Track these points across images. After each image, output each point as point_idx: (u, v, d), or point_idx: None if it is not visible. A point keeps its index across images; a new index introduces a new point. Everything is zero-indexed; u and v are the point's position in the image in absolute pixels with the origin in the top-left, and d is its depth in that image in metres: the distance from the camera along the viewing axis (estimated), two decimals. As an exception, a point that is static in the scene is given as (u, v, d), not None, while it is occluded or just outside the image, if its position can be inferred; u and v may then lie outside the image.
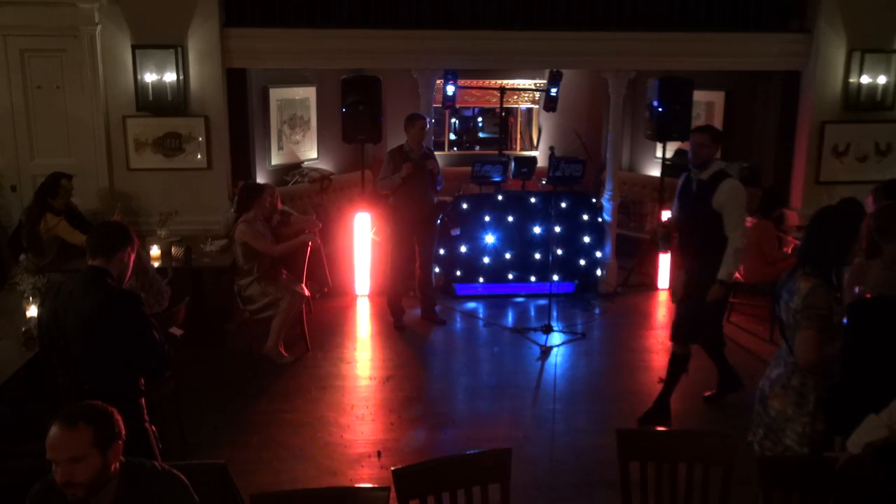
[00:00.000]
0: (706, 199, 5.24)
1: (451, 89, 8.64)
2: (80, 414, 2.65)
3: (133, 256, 3.69)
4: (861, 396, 3.30)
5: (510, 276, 8.34)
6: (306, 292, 6.78)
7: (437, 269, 8.15)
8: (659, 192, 8.84)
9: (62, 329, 3.52)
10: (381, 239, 8.01)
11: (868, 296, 3.71)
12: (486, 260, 8.24)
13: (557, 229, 7.89)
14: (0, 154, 7.61)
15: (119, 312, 3.50)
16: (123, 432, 2.75)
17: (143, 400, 3.73)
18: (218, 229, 7.52)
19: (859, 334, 3.37)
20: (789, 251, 7.41)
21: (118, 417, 2.75)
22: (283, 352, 6.67)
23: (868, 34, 8.17)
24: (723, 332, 5.92)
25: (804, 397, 3.49)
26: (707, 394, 6.04)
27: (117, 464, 2.72)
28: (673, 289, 5.86)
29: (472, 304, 8.20)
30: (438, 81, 8.77)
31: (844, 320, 3.44)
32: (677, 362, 5.69)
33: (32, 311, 5.00)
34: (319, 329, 7.33)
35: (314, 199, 8.79)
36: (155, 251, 6.84)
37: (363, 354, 6.96)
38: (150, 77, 7.47)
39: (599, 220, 8.41)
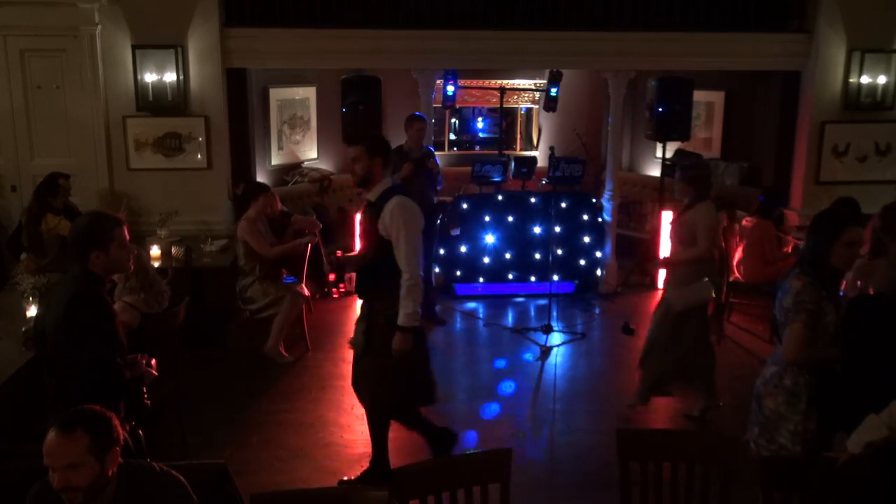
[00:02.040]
0: (374, 224, 4.40)
1: (451, 89, 8.63)
2: (77, 420, 2.64)
3: (114, 247, 3.48)
4: (860, 394, 3.30)
5: (510, 276, 8.34)
6: (306, 292, 6.78)
7: (437, 269, 8.15)
8: (659, 192, 8.83)
9: (44, 329, 3.51)
10: None
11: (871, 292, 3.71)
12: (486, 260, 8.24)
13: (557, 229, 7.89)
14: (0, 154, 7.61)
15: (73, 319, 3.38)
16: (122, 437, 2.74)
17: (122, 411, 3.58)
18: (219, 229, 7.52)
19: (859, 331, 3.37)
20: (789, 251, 7.41)
21: (116, 423, 2.74)
22: (284, 352, 6.67)
23: (868, 34, 8.17)
24: (432, 384, 4.72)
25: (796, 396, 3.50)
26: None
27: (115, 467, 2.71)
28: (352, 339, 4.75)
29: (472, 304, 8.20)
30: (438, 81, 8.77)
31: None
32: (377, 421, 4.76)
33: (32, 311, 5.00)
34: (319, 329, 7.32)
35: (314, 199, 8.79)
36: (155, 251, 6.85)
37: (363, 354, 6.95)
38: (150, 77, 7.47)
39: (599, 220, 8.41)
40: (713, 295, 5.36)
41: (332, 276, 7.89)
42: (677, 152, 9.61)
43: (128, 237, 3.57)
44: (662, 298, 5.64)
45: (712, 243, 5.32)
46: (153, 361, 3.86)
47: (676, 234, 5.46)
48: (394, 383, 4.47)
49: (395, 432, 5.52)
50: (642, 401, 5.71)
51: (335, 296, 8.27)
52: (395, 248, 4.35)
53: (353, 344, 4.64)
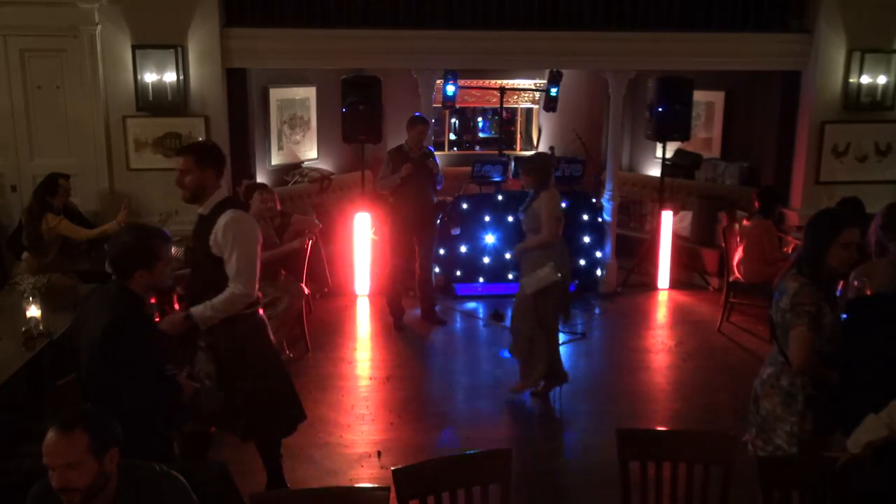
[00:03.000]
0: (205, 241, 4.04)
1: (451, 89, 8.63)
2: (76, 420, 2.64)
3: (159, 265, 3.44)
4: (859, 394, 3.30)
5: (510, 276, 8.34)
6: (306, 291, 6.78)
7: (437, 269, 8.15)
8: (659, 192, 8.84)
9: (79, 341, 3.47)
10: (381, 239, 8.01)
11: (868, 292, 3.71)
12: (486, 260, 8.24)
13: (557, 229, 7.88)
14: (0, 154, 7.61)
15: (112, 345, 3.32)
16: (121, 437, 2.73)
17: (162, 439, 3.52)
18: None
19: (858, 331, 3.37)
20: (789, 251, 7.41)
21: (116, 422, 2.74)
22: (287, 350, 6.68)
23: (868, 34, 8.17)
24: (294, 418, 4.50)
25: (793, 397, 3.49)
26: None
27: (115, 467, 2.71)
28: (197, 367, 4.21)
29: (472, 304, 8.20)
30: (438, 81, 8.77)
31: (843, 315, 3.44)
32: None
33: (33, 311, 5.00)
34: (319, 329, 7.33)
35: (314, 199, 8.79)
36: (155, 251, 6.83)
37: (363, 354, 6.96)
38: (150, 77, 7.46)
39: (599, 220, 8.41)
40: (558, 277, 5.69)
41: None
42: (677, 152, 9.62)
43: (173, 252, 3.58)
44: (520, 285, 5.91)
45: (555, 229, 5.72)
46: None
47: (525, 223, 5.83)
48: (263, 404, 4.19)
49: (396, 432, 5.53)
50: (534, 385, 6.00)
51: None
52: (225, 264, 3.98)
53: (203, 374, 4.11)
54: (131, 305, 3.41)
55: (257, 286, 4.09)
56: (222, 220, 3.98)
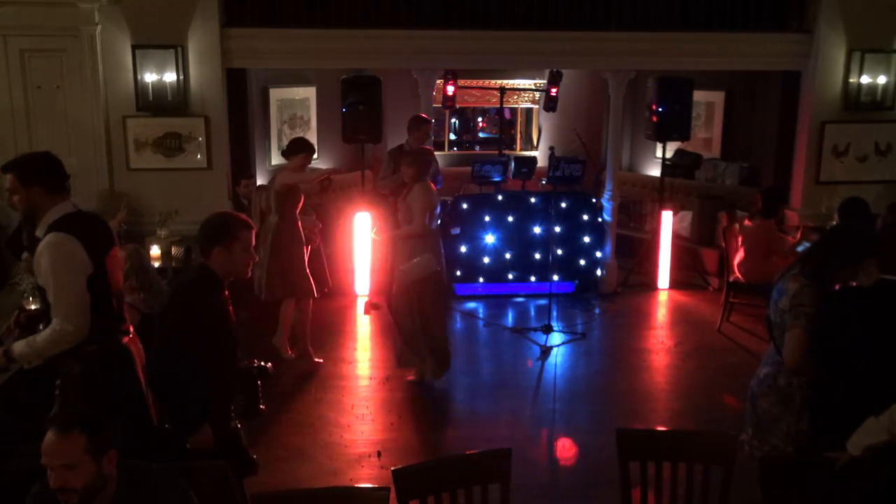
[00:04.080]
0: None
1: (451, 89, 8.63)
2: (75, 421, 2.65)
3: (237, 247, 3.37)
4: (847, 392, 3.30)
5: (510, 276, 8.34)
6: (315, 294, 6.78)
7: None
8: (659, 192, 8.84)
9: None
10: (381, 239, 7.99)
11: None
12: (486, 260, 8.24)
13: (557, 229, 7.88)
14: (0, 154, 7.61)
15: (181, 304, 3.33)
16: (121, 439, 2.74)
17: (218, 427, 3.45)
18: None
19: (837, 325, 3.36)
20: (789, 251, 7.40)
21: (115, 424, 2.74)
22: (289, 349, 6.68)
23: (868, 34, 8.17)
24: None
25: (790, 397, 3.50)
26: None
27: (114, 468, 2.71)
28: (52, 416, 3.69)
29: (472, 304, 8.20)
30: (438, 81, 8.77)
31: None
32: None
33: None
34: (319, 329, 7.32)
35: (314, 199, 8.77)
36: (155, 251, 6.85)
37: (363, 354, 6.96)
38: (150, 77, 7.46)
39: (599, 220, 8.41)
40: (435, 267, 5.92)
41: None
42: (677, 152, 9.62)
43: (253, 243, 3.46)
44: (397, 276, 6.02)
45: (426, 220, 5.86)
46: (269, 365, 3.82)
47: (401, 213, 5.99)
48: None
49: (396, 432, 5.53)
50: (437, 375, 6.11)
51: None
52: (47, 295, 3.52)
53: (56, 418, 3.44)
54: (205, 280, 3.40)
55: (86, 320, 3.51)
56: (41, 244, 3.50)
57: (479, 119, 11.41)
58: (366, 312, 7.85)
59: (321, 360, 6.61)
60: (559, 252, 8.01)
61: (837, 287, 3.47)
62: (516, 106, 10.60)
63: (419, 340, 6.03)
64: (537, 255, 8.23)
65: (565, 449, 5.36)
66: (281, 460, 5.12)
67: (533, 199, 8.24)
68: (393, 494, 2.97)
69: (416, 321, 5.97)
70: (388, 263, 6.20)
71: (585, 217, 8.33)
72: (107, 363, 3.61)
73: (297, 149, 6.41)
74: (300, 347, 6.59)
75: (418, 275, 5.86)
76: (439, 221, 6.20)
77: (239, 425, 3.74)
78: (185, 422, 3.41)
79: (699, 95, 8.77)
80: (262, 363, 3.66)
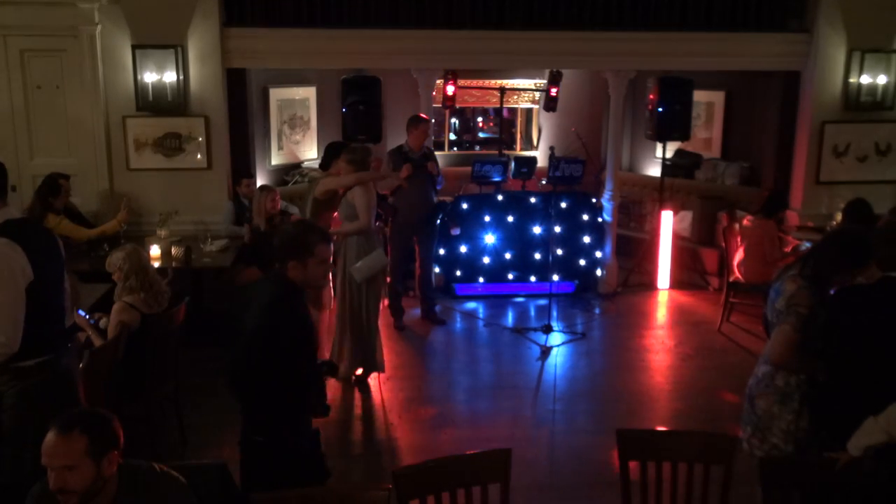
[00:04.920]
0: None
1: (451, 89, 8.63)
2: (76, 421, 2.63)
3: (312, 262, 3.34)
4: (848, 390, 3.31)
5: (510, 276, 8.34)
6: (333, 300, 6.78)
7: (437, 269, 8.14)
8: (659, 192, 8.84)
9: (240, 327, 3.43)
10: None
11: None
12: (486, 260, 8.24)
13: (557, 229, 7.88)
14: (0, 154, 7.60)
15: (272, 321, 3.29)
16: (121, 440, 2.72)
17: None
18: (218, 229, 7.52)
19: (838, 325, 3.37)
20: (789, 251, 7.41)
21: (116, 425, 2.73)
22: None
23: (868, 34, 8.17)
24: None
25: (789, 396, 3.50)
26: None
27: (114, 469, 2.70)
28: None
29: (472, 304, 8.20)
30: (438, 81, 8.77)
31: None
32: None
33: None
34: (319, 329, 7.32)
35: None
36: (155, 251, 6.84)
37: (363, 354, 6.95)
38: (150, 77, 7.46)
39: (599, 220, 8.41)
40: (386, 261, 6.13)
41: None
42: (677, 152, 9.62)
43: (331, 254, 3.43)
44: (343, 273, 6.06)
45: (371, 216, 5.99)
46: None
47: (341, 210, 6.08)
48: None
49: (396, 432, 5.53)
50: (381, 368, 6.20)
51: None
52: None
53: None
54: (288, 290, 3.38)
55: (17, 333, 3.31)
56: None
57: (479, 119, 11.42)
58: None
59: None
60: (559, 252, 8.01)
61: (839, 287, 3.47)
62: (516, 106, 10.59)
63: (372, 334, 6.09)
64: (537, 255, 8.23)
65: (565, 449, 5.36)
66: (281, 460, 5.11)
67: (533, 199, 8.24)
68: (393, 494, 2.97)
69: (364, 316, 6.03)
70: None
71: (585, 217, 8.34)
72: (43, 384, 3.42)
73: (334, 154, 6.37)
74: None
75: (372, 270, 5.94)
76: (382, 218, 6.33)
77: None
78: (270, 427, 3.38)
79: (699, 95, 8.77)
80: (330, 360, 3.62)
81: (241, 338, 3.33)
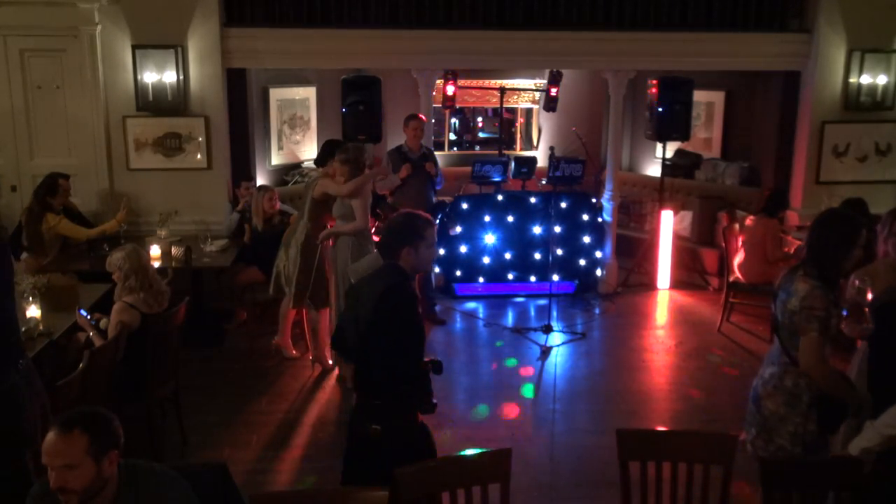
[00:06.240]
0: None
1: (451, 89, 8.63)
2: (76, 421, 2.63)
3: (423, 246, 3.48)
4: (888, 398, 3.28)
5: (510, 276, 8.34)
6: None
7: (437, 269, 8.14)
8: (659, 191, 8.84)
9: (356, 314, 3.51)
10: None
11: (869, 294, 3.68)
12: (486, 260, 8.24)
13: (557, 229, 7.88)
14: (0, 154, 7.61)
15: (386, 308, 3.39)
16: (122, 440, 2.72)
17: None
18: (218, 229, 7.52)
19: (887, 337, 3.36)
20: (790, 251, 7.41)
21: (117, 424, 2.72)
22: (293, 350, 6.69)
23: (868, 34, 8.17)
24: None
25: (797, 397, 3.47)
26: None
27: (114, 469, 2.70)
28: None
29: (472, 304, 8.19)
30: (438, 81, 8.77)
31: (844, 312, 3.44)
32: None
33: (32, 311, 5.00)
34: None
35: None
36: (155, 251, 6.85)
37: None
38: (150, 77, 7.46)
39: (599, 220, 8.41)
40: (381, 262, 5.84)
41: None
42: (677, 152, 9.62)
43: (436, 238, 3.56)
44: (338, 273, 6.07)
45: (368, 216, 6.02)
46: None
47: (336, 210, 6.08)
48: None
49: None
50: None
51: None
52: None
53: None
54: (402, 278, 3.48)
55: None
56: None
57: (479, 119, 11.42)
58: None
59: (297, 354, 6.69)
60: (559, 252, 8.01)
61: (849, 274, 3.46)
62: (516, 106, 10.59)
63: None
64: (537, 255, 8.23)
65: (565, 449, 5.36)
66: (280, 460, 5.12)
67: (533, 199, 8.24)
68: (393, 495, 2.97)
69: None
70: (328, 263, 6.19)
71: (585, 217, 8.33)
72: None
73: (330, 152, 6.37)
74: (318, 352, 6.57)
75: (367, 271, 5.89)
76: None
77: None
78: (393, 416, 3.47)
79: (699, 95, 8.77)
80: (435, 358, 3.70)
81: (360, 329, 3.44)
